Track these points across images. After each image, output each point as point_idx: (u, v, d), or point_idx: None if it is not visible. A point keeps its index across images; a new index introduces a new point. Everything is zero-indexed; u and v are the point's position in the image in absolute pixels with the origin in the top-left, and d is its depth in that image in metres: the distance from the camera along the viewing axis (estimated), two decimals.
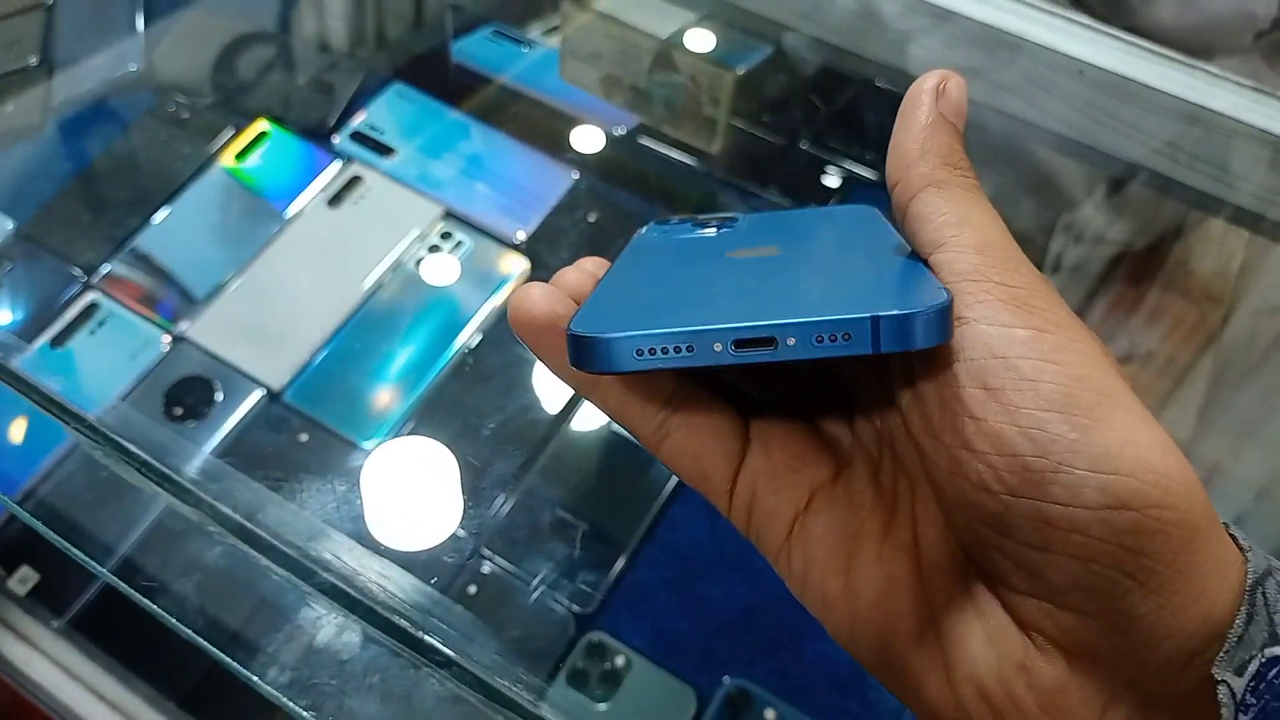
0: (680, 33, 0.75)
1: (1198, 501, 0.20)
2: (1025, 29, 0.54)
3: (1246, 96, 0.55)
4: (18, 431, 0.62)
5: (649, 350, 0.21)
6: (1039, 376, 0.21)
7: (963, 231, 0.23)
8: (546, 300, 0.24)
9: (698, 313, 0.21)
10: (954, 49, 0.56)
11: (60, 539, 0.35)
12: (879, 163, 0.87)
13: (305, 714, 0.29)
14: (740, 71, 0.69)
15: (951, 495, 0.22)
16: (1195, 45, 0.88)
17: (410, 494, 0.61)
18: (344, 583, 0.29)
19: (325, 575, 0.29)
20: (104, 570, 0.34)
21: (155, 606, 0.32)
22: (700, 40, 0.74)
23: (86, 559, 0.34)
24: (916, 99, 0.25)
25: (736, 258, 0.25)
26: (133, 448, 0.32)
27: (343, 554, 0.30)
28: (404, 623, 0.30)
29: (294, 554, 0.30)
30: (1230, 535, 0.21)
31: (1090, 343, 0.22)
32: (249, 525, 0.30)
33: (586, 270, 0.26)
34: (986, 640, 0.22)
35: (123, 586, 0.33)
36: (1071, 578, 0.20)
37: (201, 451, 0.56)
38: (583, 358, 0.21)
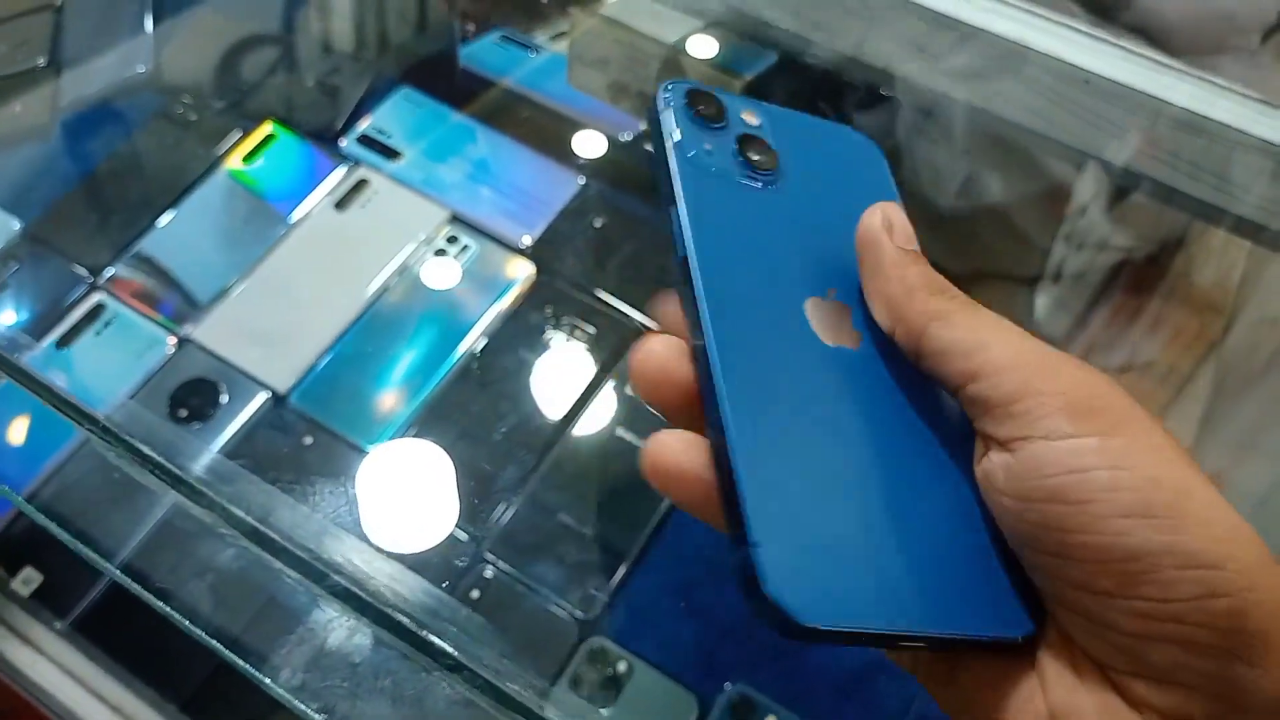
0: (687, 39, 0.76)
1: (1278, 574, 0.22)
2: (1031, 38, 0.54)
3: (1250, 107, 0.55)
4: (21, 432, 0.62)
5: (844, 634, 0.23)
6: (1116, 486, 0.22)
7: (989, 353, 0.23)
8: (682, 447, 0.24)
9: (890, 602, 0.23)
10: (959, 56, 0.56)
11: (71, 538, 0.35)
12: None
13: (317, 716, 0.29)
14: (747, 77, 0.70)
15: (1053, 593, 0.23)
16: (1203, 43, 0.89)
17: (413, 497, 0.61)
18: (356, 586, 0.30)
19: (337, 578, 0.29)
20: (115, 570, 0.34)
21: (167, 608, 0.32)
22: (707, 47, 0.74)
23: (98, 558, 0.34)
24: (873, 243, 0.26)
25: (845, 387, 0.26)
26: (145, 449, 0.32)
27: (354, 557, 0.30)
28: (415, 626, 0.30)
29: (306, 557, 0.30)
30: None
31: (1154, 433, 0.23)
32: (262, 528, 0.30)
33: (673, 351, 0.25)
34: (1098, 717, 0.23)
35: (135, 587, 0.33)
36: (1174, 659, 0.22)
37: (211, 451, 0.56)
38: (774, 624, 0.23)
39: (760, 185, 0.28)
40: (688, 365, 0.25)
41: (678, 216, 0.26)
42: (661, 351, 0.25)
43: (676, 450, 0.24)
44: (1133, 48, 0.55)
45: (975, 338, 0.24)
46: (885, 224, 0.26)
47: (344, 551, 0.31)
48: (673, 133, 0.28)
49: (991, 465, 0.24)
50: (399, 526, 0.59)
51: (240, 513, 0.31)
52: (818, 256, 0.27)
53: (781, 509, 0.23)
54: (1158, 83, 0.55)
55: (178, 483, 0.31)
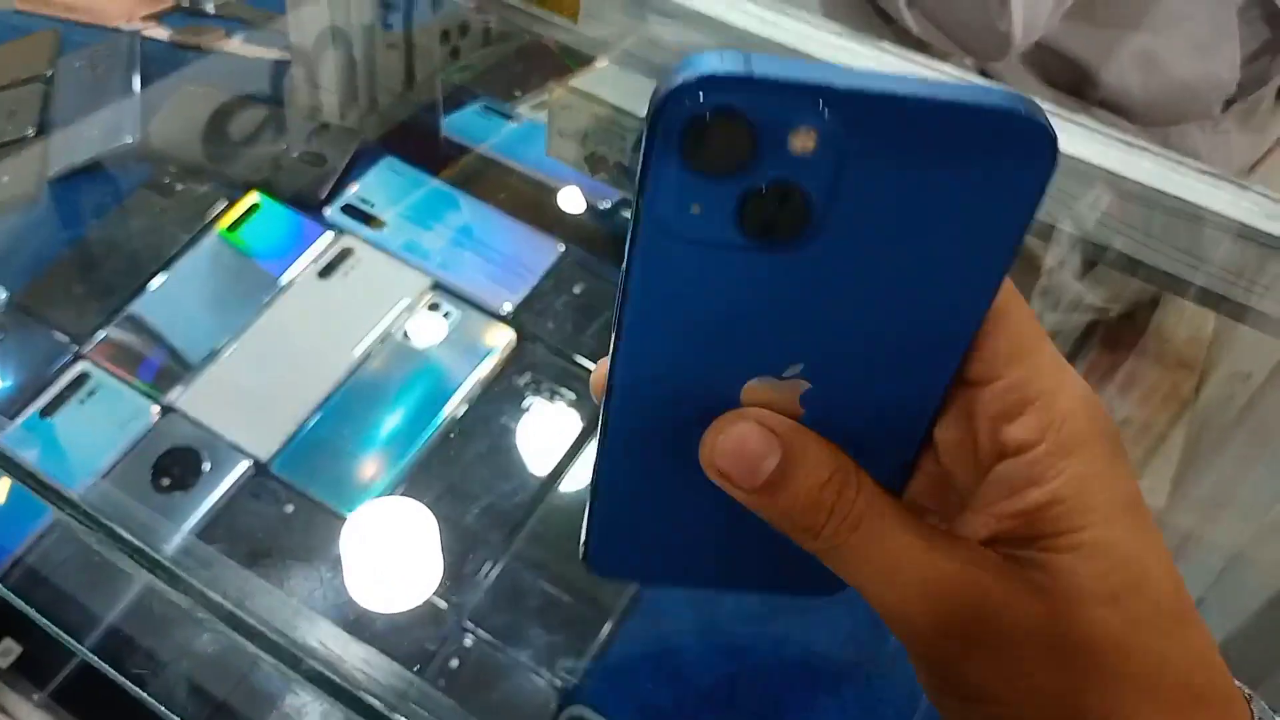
0: None
1: None
2: None
3: (1205, 181, 0.57)
4: (4, 497, 0.62)
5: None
6: None
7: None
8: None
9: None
10: None
11: (45, 619, 0.36)
12: None
13: None
14: None
15: None
16: (1167, 114, 0.92)
17: (394, 561, 0.61)
18: (329, 669, 0.30)
19: (311, 662, 0.30)
20: (88, 652, 0.34)
21: (143, 693, 0.32)
22: None
23: (72, 640, 0.34)
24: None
25: None
26: (123, 533, 0.33)
27: (328, 640, 0.31)
28: (386, 709, 0.30)
29: (281, 641, 0.30)
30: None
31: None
32: (238, 612, 0.31)
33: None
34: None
35: (109, 671, 0.33)
36: None
37: (188, 530, 0.56)
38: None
39: (768, 248, 0.21)
40: None
41: (622, 280, 0.22)
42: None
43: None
44: (1092, 124, 0.57)
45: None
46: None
47: (318, 635, 0.31)
48: (651, 186, 0.20)
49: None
50: (380, 589, 0.59)
51: (217, 597, 0.31)
52: (806, 325, 0.22)
53: (625, 496, 0.26)
54: (1116, 158, 0.57)
55: (155, 566, 0.32)
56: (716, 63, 0.19)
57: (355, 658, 0.30)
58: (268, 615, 0.31)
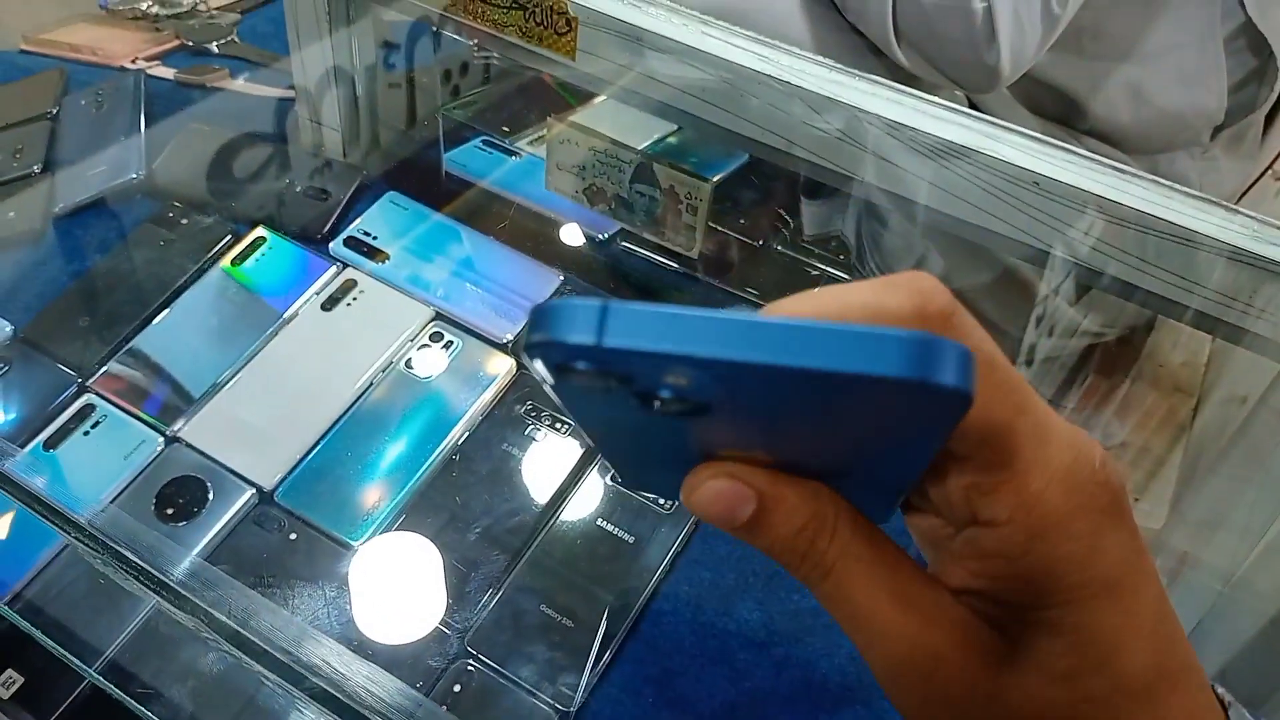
0: (658, 144, 0.79)
1: None
2: (982, 144, 0.57)
3: (1196, 206, 0.58)
4: (3, 533, 0.62)
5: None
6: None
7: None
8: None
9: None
10: (910, 159, 0.59)
11: (53, 643, 0.36)
12: (850, 263, 0.90)
13: None
14: (715, 179, 0.73)
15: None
16: (1156, 142, 0.93)
17: (397, 591, 0.62)
18: (334, 688, 0.30)
19: (315, 680, 0.30)
20: (94, 674, 0.35)
21: (148, 713, 0.33)
22: (677, 151, 0.77)
23: (79, 662, 0.34)
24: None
25: None
26: (129, 554, 0.34)
27: (332, 659, 0.31)
28: None
29: (285, 659, 0.31)
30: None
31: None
32: (243, 632, 0.31)
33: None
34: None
35: (115, 691, 0.33)
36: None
37: (193, 554, 0.57)
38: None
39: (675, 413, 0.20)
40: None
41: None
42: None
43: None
44: (1082, 151, 0.58)
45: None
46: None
47: (322, 654, 0.32)
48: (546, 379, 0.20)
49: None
50: (385, 621, 0.60)
51: (222, 616, 0.32)
52: (753, 443, 0.22)
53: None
54: (1107, 184, 0.58)
55: (160, 587, 0.32)
56: (568, 326, 0.18)
57: (360, 675, 0.31)
58: (271, 634, 0.31)
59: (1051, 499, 0.22)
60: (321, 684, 0.30)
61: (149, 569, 0.33)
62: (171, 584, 0.33)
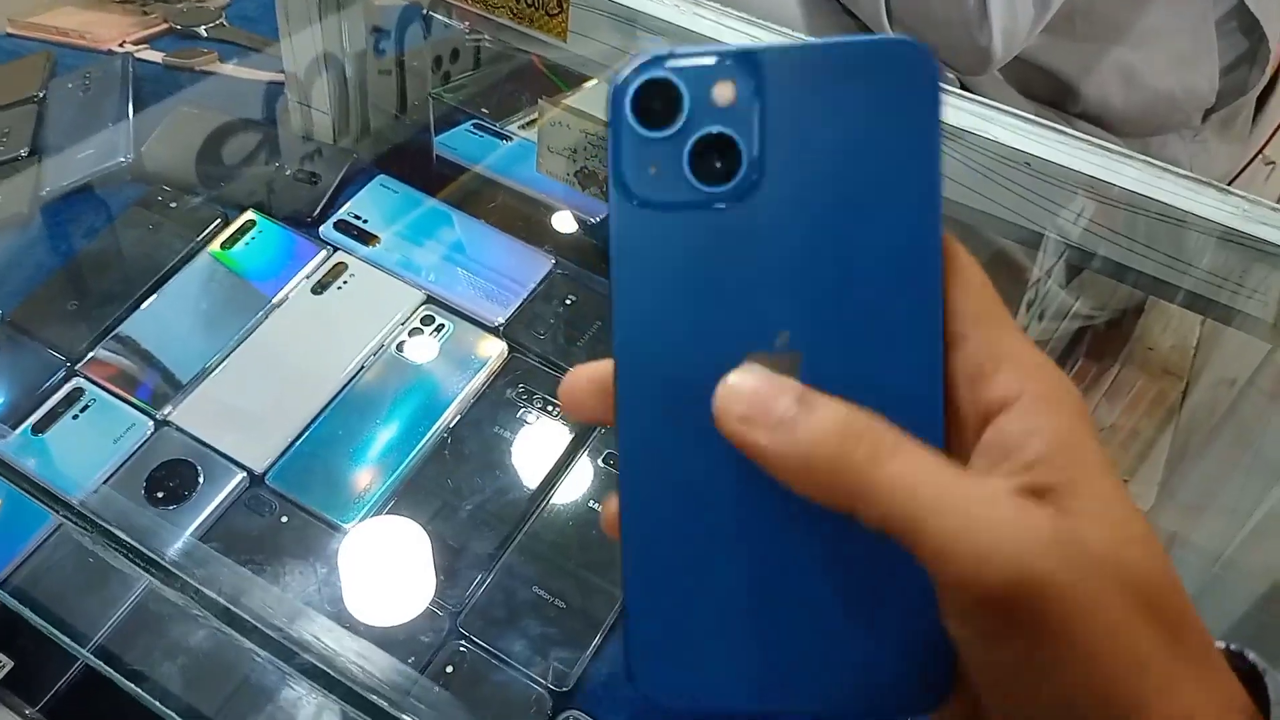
0: None
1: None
2: (974, 124, 0.57)
3: (1188, 186, 0.58)
4: None
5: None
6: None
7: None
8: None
9: (764, 681, 0.23)
10: None
11: (46, 623, 0.36)
12: None
13: None
14: None
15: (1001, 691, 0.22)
16: (1148, 125, 0.93)
17: (389, 573, 0.62)
18: (324, 663, 0.30)
19: (306, 656, 0.30)
20: (87, 653, 0.35)
21: (139, 690, 0.33)
22: None
23: (71, 642, 0.34)
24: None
25: None
26: (119, 533, 0.33)
27: (323, 635, 0.31)
28: (383, 703, 0.31)
29: (276, 636, 0.31)
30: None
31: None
32: (233, 608, 0.31)
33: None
34: None
35: (107, 670, 0.33)
36: None
37: (184, 534, 0.57)
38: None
39: (721, 199, 0.23)
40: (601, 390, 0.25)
41: (609, 270, 0.24)
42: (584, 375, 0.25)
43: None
44: (1074, 133, 0.58)
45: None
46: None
47: (314, 630, 0.31)
48: (613, 157, 0.23)
49: None
50: (376, 602, 0.60)
51: (212, 594, 0.32)
52: (780, 284, 0.23)
53: (664, 591, 0.24)
54: (1098, 165, 0.58)
55: (151, 565, 0.32)
56: (647, 54, 0.23)
57: (350, 652, 0.31)
58: (262, 611, 0.31)
59: (1049, 372, 0.23)
60: (312, 660, 0.30)
61: (139, 547, 0.33)
62: (161, 562, 0.32)
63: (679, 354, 0.23)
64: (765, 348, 0.23)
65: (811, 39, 0.24)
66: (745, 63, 0.23)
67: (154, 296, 0.73)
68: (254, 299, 0.73)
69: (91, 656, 0.33)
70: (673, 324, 0.23)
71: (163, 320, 0.72)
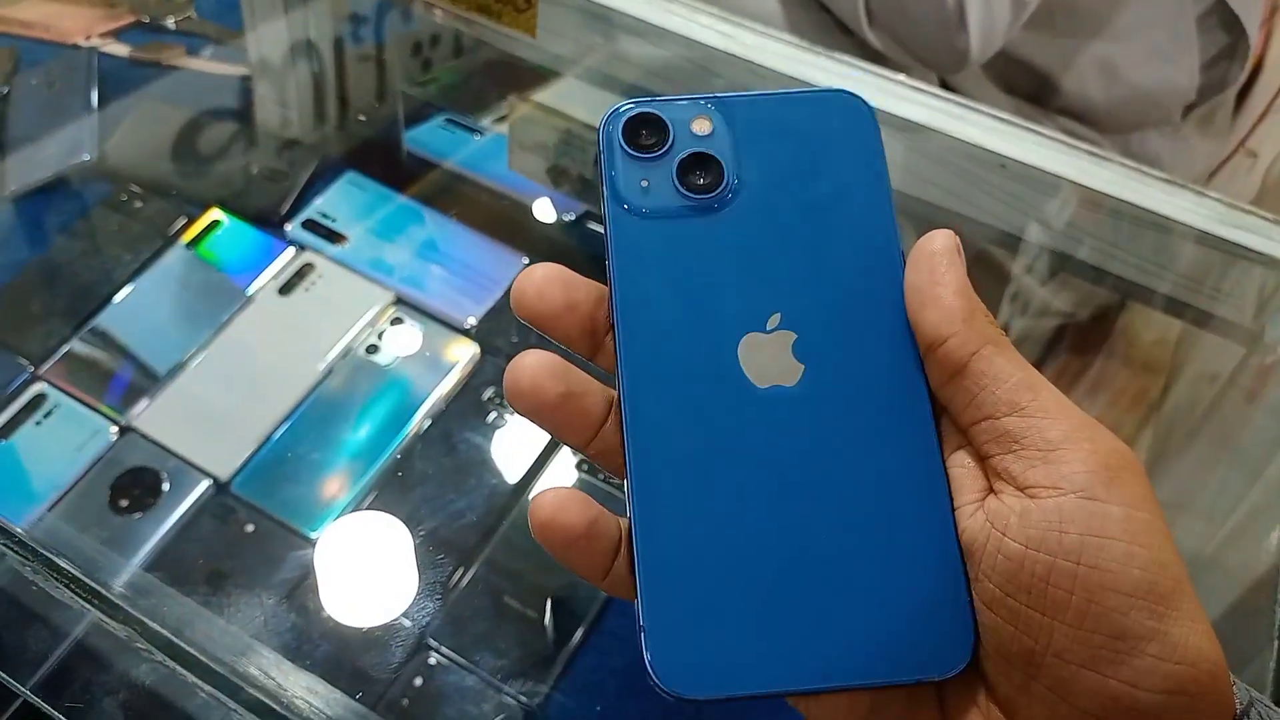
0: None
1: (1228, 679, 0.22)
2: (949, 125, 0.56)
3: (1164, 189, 0.57)
4: None
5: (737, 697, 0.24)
6: (1129, 561, 0.22)
7: (1040, 394, 0.24)
8: (577, 508, 0.24)
9: (781, 661, 0.24)
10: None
11: None
12: None
13: None
14: None
15: (1019, 650, 0.23)
16: (1128, 121, 0.92)
17: (356, 582, 0.61)
18: (270, 699, 0.29)
19: (251, 691, 0.29)
20: (27, 691, 0.34)
21: None
22: None
23: (7, 678, 0.33)
24: (949, 254, 0.25)
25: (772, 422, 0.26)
26: (62, 563, 0.32)
27: (270, 670, 0.30)
28: None
29: (221, 670, 0.30)
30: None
31: (1162, 516, 0.23)
32: (177, 641, 0.30)
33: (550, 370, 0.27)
34: None
35: (45, 707, 0.32)
36: None
37: (146, 553, 0.56)
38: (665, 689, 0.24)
39: (707, 208, 0.27)
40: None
41: (609, 276, 0.26)
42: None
43: (568, 506, 0.25)
44: (1053, 134, 0.58)
45: (1028, 375, 0.24)
46: (957, 245, 0.26)
47: (260, 664, 0.31)
48: (609, 177, 0.27)
49: (1004, 507, 0.23)
50: (343, 613, 0.59)
51: (156, 626, 0.31)
52: (766, 276, 0.26)
53: (681, 580, 0.24)
54: (1077, 166, 0.57)
55: (93, 597, 0.31)
56: (629, 100, 0.28)
57: (299, 686, 0.30)
58: (207, 644, 0.30)
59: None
60: (258, 695, 0.30)
61: (82, 578, 0.32)
62: (104, 593, 0.31)
63: (680, 340, 0.26)
64: (758, 329, 0.26)
65: (767, 91, 0.29)
66: (718, 104, 0.28)
67: (118, 298, 0.71)
68: (225, 293, 0.72)
69: (29, 693, 0.32)
70: (672, 313, 0.26)
71: (127, 323, 0.70)
